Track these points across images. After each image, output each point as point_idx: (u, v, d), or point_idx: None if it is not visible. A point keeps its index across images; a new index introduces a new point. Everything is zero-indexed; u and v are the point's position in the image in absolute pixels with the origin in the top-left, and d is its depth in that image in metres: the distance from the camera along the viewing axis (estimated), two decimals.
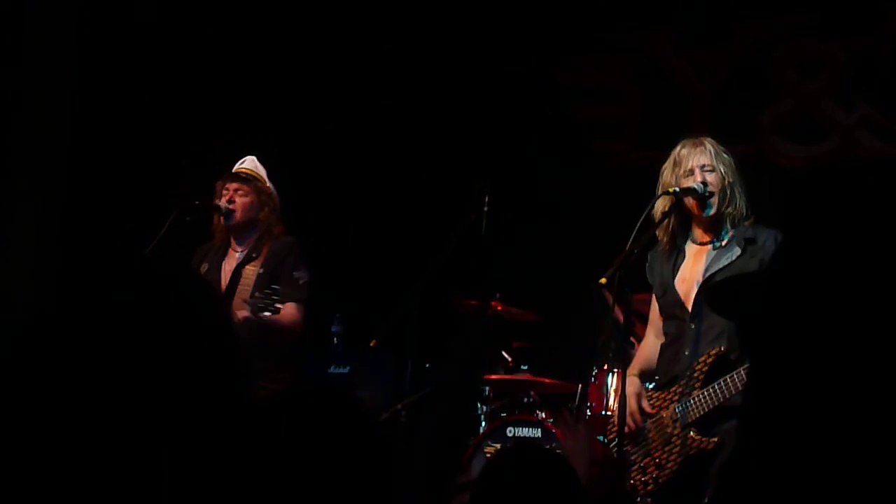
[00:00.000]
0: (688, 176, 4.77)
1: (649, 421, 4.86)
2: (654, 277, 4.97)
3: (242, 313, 5.52)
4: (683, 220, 4.87)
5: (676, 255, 4.89)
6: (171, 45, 7.82)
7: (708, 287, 4.68)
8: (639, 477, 4.80)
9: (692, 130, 5.11)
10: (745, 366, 4.51)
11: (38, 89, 7.50)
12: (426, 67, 8.20)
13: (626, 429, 4.71)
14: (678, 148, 4.85)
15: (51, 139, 7.55)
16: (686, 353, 4.75)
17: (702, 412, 4.64)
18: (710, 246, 4.82)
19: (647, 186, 5.01)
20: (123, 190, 7.48)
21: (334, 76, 8.23)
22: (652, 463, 4.77)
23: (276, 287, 5.59)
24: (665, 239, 4.89)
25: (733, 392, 4.53)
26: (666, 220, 4.84)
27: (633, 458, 4.82)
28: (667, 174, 4.84)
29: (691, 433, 4.69)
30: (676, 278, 4.86)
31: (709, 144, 4.81)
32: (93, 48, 7.62)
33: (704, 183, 4.75)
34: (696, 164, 4.77)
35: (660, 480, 4.73)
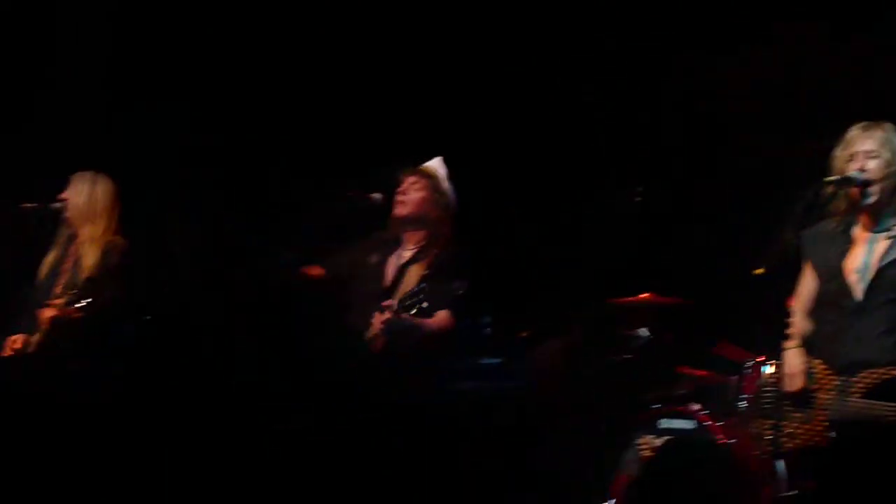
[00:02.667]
0: (849, 160, 4.69)
1: (812, 395, 4.80)
2: (817, 258, 4.88)
3: (384, 316, 5.53)
4: (852, 204, 4.78)
5: (845, 241, 4.80)
6: (358, 43, 7.97)
7: None
8: (768, 432, 4.72)
9: (848, 122, 5.02)
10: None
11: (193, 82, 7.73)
12: (593, 66, 8.19)
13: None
14: (853, 128, 4.76)
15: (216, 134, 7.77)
16: (850, 345, 4.67)
17: (855, 419, 4.57)
18: (881, 235, 4.72)
19: (803, 177, 4.94)
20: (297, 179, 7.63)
21: (509, 80, 8.27)
22: (790, 427, 4.69)
23: (424, 286, 5.61)
24: (833, 223, 4.79)
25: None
26: (835, 204, 4.75)
27: (798, 426, 4.74)
28: (836, 154, 4.76)
29: (836, 434, 4.62)
30: (844, 265, 4.77)
31: (878, 130, 4.70)
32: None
33: (863, 170, 4.66)
34: (860, 149, 4.68)
35: (784, 448, 4.65)
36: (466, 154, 8.01)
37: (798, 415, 4.78)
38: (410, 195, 5.87)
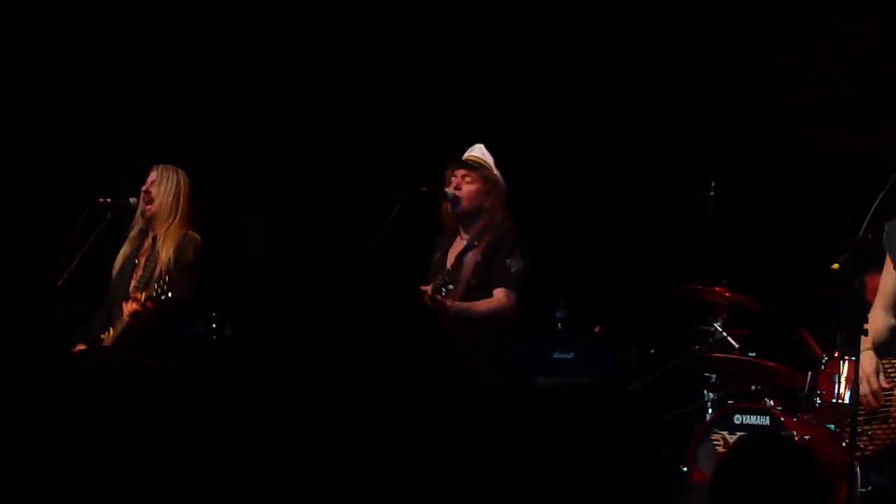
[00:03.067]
0: None
1: (887, 395, 4.73)
2: (895, 250, 4.81)
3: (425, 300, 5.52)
4: None
5: None
6: (397, 34, 7.98)
7: None
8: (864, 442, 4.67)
9: None
10: None
11: (269, 84, 7.78)
12: (653, 53, 8.14)
13: (867, 407, 4.61)
14: None
15: (279, 133, 7.82)
16: None
17: None
18: None
19: (870, 171, 4.86)
20: (350, 181, 7.67)
21: (557, 64, 8.24)
22: (870, 430, 4.64)
23: (450, 269, 5.62)
24: None
25: None
26: None
27: (878, 440, 4.69)
28: None
29: None
30: None
31: None
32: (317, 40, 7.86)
33: None
34: None
35: (867, 451, 4.59)
36: (541, 145, 8.02)
37: (875, 416, 4.71)
38: (464, 189, 5.86)
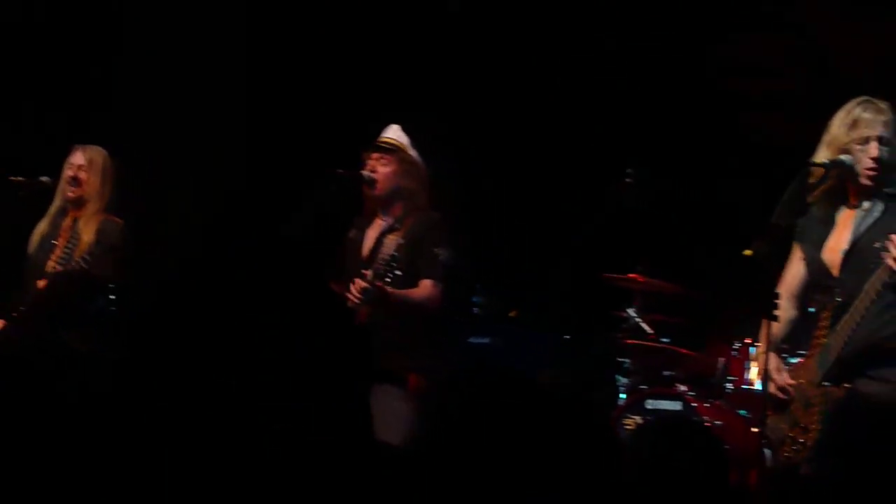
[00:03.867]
0: (862, 143, 4.61)
1: (791, 391, 4.80)
2: (805, 244, 4.87)
3: (361, 283, 5.50)
4: (839, 185, 4.74)
5: (828, 222, 4.79)
6: (333, 18, 7.95)
7: None
8: (791, 447, 4.74)
9: (845, 101, 4.94)
10: (860, 298, 4.48)
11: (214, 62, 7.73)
12: (579, 40, 8.17)
13: (776, 402, 4.68)
14: (859, 108, 4.66)
15: (209, 112, 7.76)
16: (837, 318, 4.67)
17: (835, 355, 4.58)
18: (857, 210, 4.71)
19: (798, 159, 4.90)
20: (277, 161, 7.64)
21: (489, 52, 8.25)
22: (799, 430, 4.72)
23: (396, 255, 5.60)
24: (821, 207, 4.77)
25: (856, 325, 4.47)
26: (819, 189, 4.73)
27: (783, 433, 4.76)
28: (838, 130, 4.67)
29: (824, 385, 4.62)
30: (825, 246, 4.77)
31: (890, 113, 4.63)
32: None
33: (876, 159, 4.60)
34: (875, 134, 4.61)
35: (808, 444, 4.67)
36: (462, 132, 8.04)
37: (780, 410, 4.80)
38: (379, 171, 5.83)
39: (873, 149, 4.58)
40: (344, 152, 6.21)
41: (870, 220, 4.63)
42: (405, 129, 6.01)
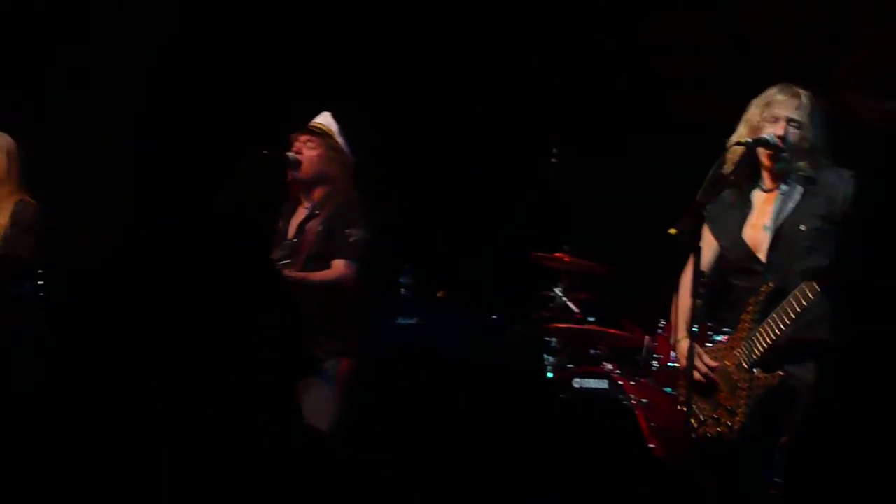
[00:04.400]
0: (772, 122, 4.68)
1: (715, 374, 4.82)
2: (719, 230, 4.89)
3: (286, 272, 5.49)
4: (753, 167, 4.79)
5: (743, 205, 4.82)
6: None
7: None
8: (714, 429, 4.77)
9: (768, 82, 5.00)
10: (797, 290, 4.50)
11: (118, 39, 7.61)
12: (505, 18, 8.15)
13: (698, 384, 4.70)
14: (775, 89, 4.74)
15: (129, 91, 7.66)
16: (764, 303, 4.70)
17: (763, 347, 4.61)
18: (776, 192, 4.75)
19: (722, 139, 4.93)
20: (202, 140, 7.56)
21: (409, 27, 8.21)
22: (724, 412, 4.74)
23: (296, 240, 5.59)
24: (733, 189, 4.81)
25: (789, 320, 4.50)
26: (737, 170, 4.76)
27: (705, 413, 4.78)
28: (753, 112, 4.74)
29: (755, 372, 4.65)
30: (745, 229, 4.79)
31: (805, 99, 4.69)
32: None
33: (783, 137, 4.66)
34: (784, 114, 4.67)
35: (734, 427, 4.70)
36: (387, 112, 7.99)
37: (703, 391, 4.82)
38: (305, 154, 5.80)
39: (779, 128, 4.64)
40: (266, 134, 6.18)
41: (792, 204, 4.69)
42: (335, 117, 5.99)
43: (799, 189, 4.69)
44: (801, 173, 4.68)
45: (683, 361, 4.78)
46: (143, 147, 7.77)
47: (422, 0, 8.18)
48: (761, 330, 4.64)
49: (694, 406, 4.71)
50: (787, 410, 4.63)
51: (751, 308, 4.68)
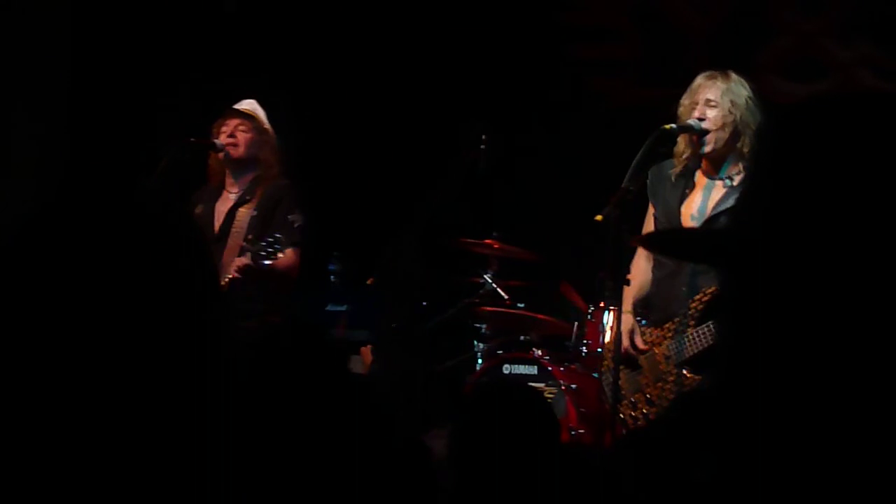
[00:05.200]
0: (693, 108, 4.73)
1: (642, 357, 4.86)
2: (658, 199, 4.91)
3: (242, 260, 5.45)
4: (695, 149, 4.82)
5: (685, 184, 4.84)
6: None
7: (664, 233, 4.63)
8: (629, 412, 4.81)
9: (691, 68, 5.05)
10: None
11: (36, 20, 7.49)
12: (426, 5, 8.14)
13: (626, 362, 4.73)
14: (701, 76, 4.79)
15: (51, 74, 7.54)
16: (683, 288, 4.73)
17: (696, 350, 4.64)
18: (720, 182, 4.78)
19: (647, 125, 4.96)
20: (123, 128, 7.48)
21: (329, 16, 8.17)
22: (643, 399, 4.78)
23: (279, 236, 5.52)
24: (679, 167, 4.83)
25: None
26: (678, 149, 4.79)
27: (623, 392, 4.83)
28: (683, 101, 4.79)
29: (685, 371, 4.68)
30: (682, 209, 4.82)
31: (721, 80, 4.72)
32: None
33: (702, 119, 4.71)
34: (702, 98, 4.71)
35: (650, 417, 4.73)
36: (308, 98, 7.96)
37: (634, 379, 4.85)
38: (239, 137, 5.77)
39: (698, 111, 4.68)
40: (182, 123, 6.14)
41: (731, 201, 4.67)
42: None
43: (740, 179, 4.71)
44: (744, 167, 4.68)
45: (624, 338, 4.81)
46: (56, 138, 7.68)
47: None
48: (696, 332, 4.65)
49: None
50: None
51: (694, 305, 4.69)
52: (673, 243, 4.46)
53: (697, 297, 4.68)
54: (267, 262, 5.38)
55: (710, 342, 4.58)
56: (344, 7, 8.18)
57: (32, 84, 7.50)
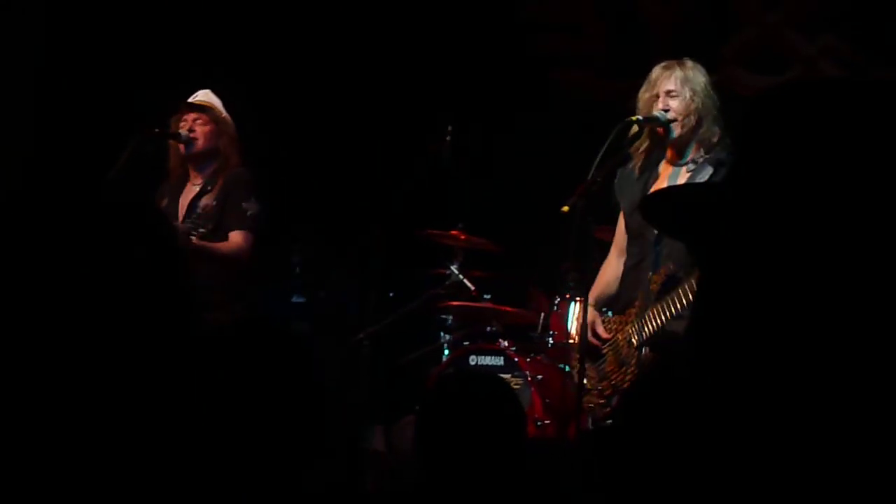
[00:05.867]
0: (655, 100, 4.78)
1: (606, 345, 4.89)
2: (624, 196, 4.96)
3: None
4: (657, 140, 4.86)
5: (649, 175, 4.89)
6: None
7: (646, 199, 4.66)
8: (597, 401, 4.83)
9: (655, 60, 5.08)
10: (692, 278, 4.54)
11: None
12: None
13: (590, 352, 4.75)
14: (654, 69, 4.84)
15: (16, 69, 7.50)
16: (649, 274, 4.76)
17: (654, 328, 4.66)
18: (683, 167, 4.82)
19: (611, 117, 4.99)
20: (87, 120, 7.44)
21: (293, 6, 8.14)
22: (609, 386, 4.81)
23: (201, 213, 5.58)
24: (639, 161, 4.88)
25: (682, 305, 4.53)
26: (637, 143, 4.84)
27: (591, 383, 4.85)
28: (642, 94, 4.83)
29: (644, 351, 4.71)
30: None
31: (678, 69, 4.79)
32: None
33: (666, 109, 4.76)
34: (662, 90, 4.77)
35: (612, 403, 4.76)
36: (274, 89, 7.93)
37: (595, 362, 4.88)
38: (198, 130, 5.78)
39: (661, 102, 4.73)
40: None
41: (698, 177, 4.73)
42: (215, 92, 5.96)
43: (708, 170, 4.76)
44: (712, 155, 4.73)
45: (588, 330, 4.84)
46: (18, 130, 7.63)
47: None
48: (653, 310, 4.69)
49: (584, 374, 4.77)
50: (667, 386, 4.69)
51: (651, 286, 4.74)
52: (656, 209, 4.50)
53: (653, 277, 4.71)
54: (193, 237, 5.42)
55: (664, 318, 4.60)
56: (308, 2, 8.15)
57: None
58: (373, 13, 8.11)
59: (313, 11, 8.11)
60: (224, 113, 5.87)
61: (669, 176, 4.87)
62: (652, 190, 4.81)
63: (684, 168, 4.82)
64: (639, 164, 4.89)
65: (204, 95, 5.92)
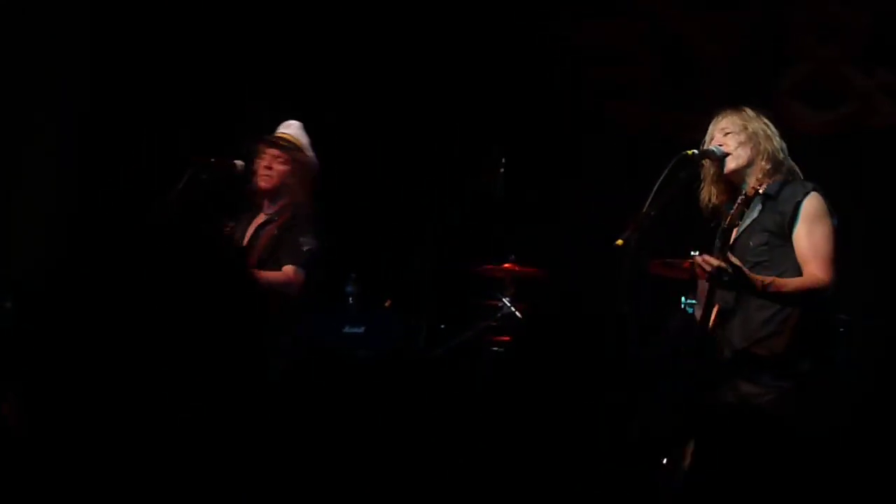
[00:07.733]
0: (711, 141, 4.88)
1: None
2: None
3: None
4: (719, 177, 4.96)
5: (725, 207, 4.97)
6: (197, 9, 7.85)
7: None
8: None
9: (708, 94, 5.13)
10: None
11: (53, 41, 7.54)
12: (444, 28, 8.17)
13: None
14: (725, 108, 4.98)
15: (68, 86, 7.59)
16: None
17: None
18: (737, 201, 4.87)
19: (664, 148, 5.03)
20: (144, 147, 7.53)
21: (352, 36, 8.20)
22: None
23: (261, 242, 5.68)
24: (708, 201, 4.97)
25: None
26: (703, 184, 4.94)
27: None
28: (704, 139, 4.98)
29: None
30: (725, 224, 4.94)
31: (732, 112, 4.93)
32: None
33: (721, 145, 4.84)
34: (722, 127, 4.90)
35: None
36: (337, 121, 7.99)
37: None
38: (275, 169, 5.86)
39: (718, 140, 4.89)
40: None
41: (749, 220, 4.81)
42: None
43: (758, 206, 4.81)
44: (755, 187, 4.77)
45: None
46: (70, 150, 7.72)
47: (364, 8, 8.17)
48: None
49: None
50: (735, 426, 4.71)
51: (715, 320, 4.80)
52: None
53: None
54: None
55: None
56: (368, 30, 8.20)
57: (48, 95, 7.56)
58: (427, 46, 8.15)
59: (370, 43, 8.17)
60: (309, 153, 5.94)
61: (724, 209, 4.92)
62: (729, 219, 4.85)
63: (738, 201, 4.84)
64: (707, 206, 4.97)
65: (294, 130, 6.00)
